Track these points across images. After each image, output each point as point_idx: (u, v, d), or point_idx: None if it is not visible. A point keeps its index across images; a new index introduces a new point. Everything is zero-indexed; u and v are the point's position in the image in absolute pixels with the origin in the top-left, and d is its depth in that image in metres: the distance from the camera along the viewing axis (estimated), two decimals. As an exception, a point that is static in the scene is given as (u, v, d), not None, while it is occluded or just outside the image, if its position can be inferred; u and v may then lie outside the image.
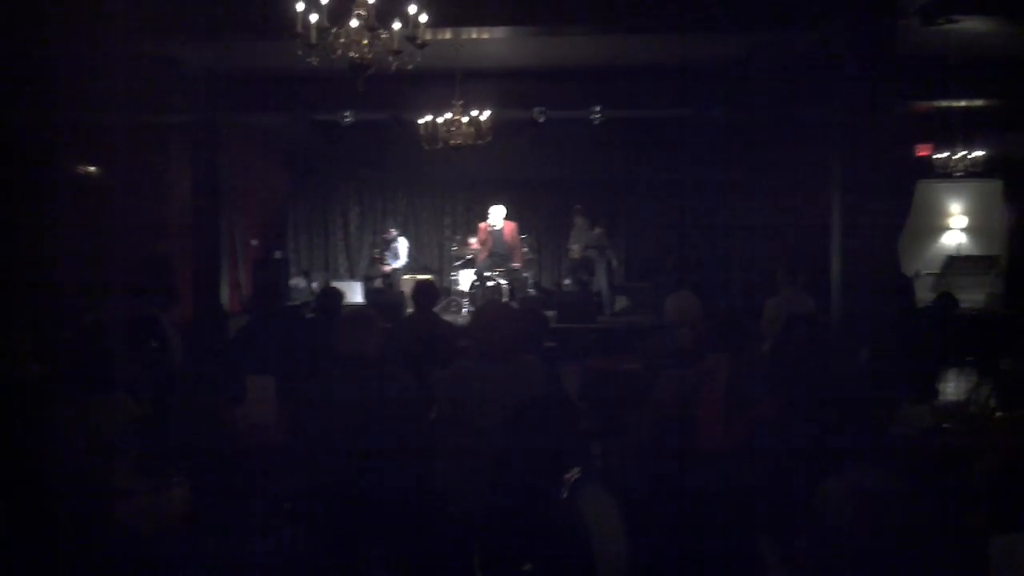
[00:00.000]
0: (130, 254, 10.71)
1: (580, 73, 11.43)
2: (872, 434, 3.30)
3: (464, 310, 12.79)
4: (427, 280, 10.00)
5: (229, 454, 3.80)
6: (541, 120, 11.91)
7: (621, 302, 13.63)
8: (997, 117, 12.54)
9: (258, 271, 14.31)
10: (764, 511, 3.45)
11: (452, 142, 10.44)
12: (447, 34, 8.41)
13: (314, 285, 15.10)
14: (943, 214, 15.65)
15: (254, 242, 15.35)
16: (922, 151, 13.57)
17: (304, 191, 16.55)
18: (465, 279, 13.37)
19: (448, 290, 13.88)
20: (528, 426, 3.17)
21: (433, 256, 16.47)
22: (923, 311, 8.08)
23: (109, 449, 3.78)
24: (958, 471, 3.62)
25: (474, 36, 8.81)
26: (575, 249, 13.40)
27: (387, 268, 14.39)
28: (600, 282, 13.07)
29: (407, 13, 6.20)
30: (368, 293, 13.80)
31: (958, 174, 13.45)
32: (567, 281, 14.16)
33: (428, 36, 6.45)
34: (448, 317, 9.96)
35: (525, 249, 13.76)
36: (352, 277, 15.82)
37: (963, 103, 11.82)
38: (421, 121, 10.64)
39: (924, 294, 11.12)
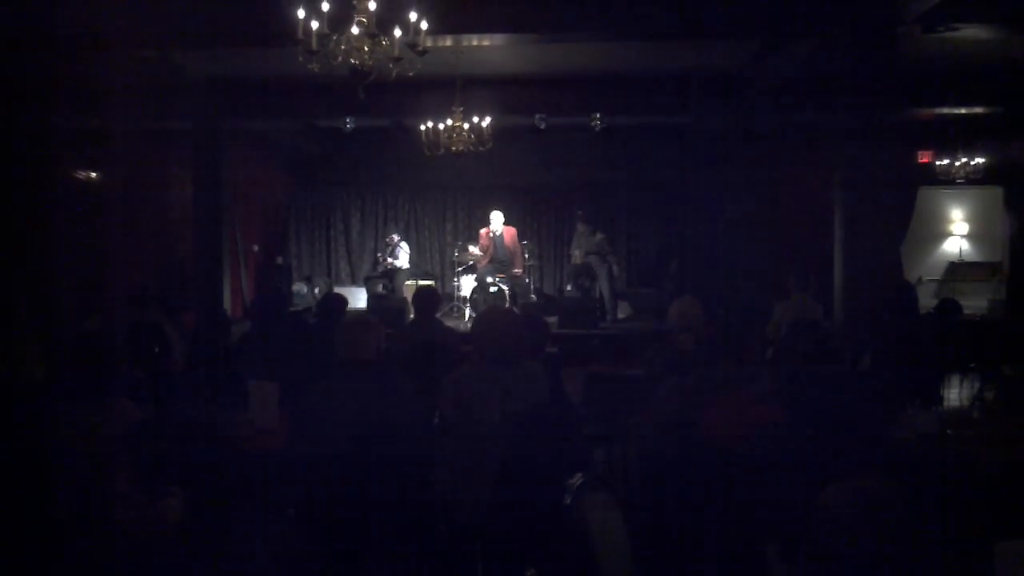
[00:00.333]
0: (132, 259, 10.73)
1: (581, 80, 11.45)
2: (875, 440, 3.29)
3: (466, 316, 12.79)
4: (428, 286, 10.02)
5: (231, 460, 3.79)
6: (542, 127, 11.93)
7: (623, 308, 13.63)
8: (998, 124, 12.57)
9: (260, 277, 14.33)
10: (766, 517, 3.44)
11: (453, 148, 10.45)
12: (448, 41, 8.43)
13: (316, 291, 15.11)
14: (945, 220, 15.68)
15: (256, 248, 15.37)
16: (923, 158, 13.60)
17: (306, 197, 16.57)
18: (467, 285, 13.37)
19: (450, 296, 13.89)
20: (531, 432, 3.17)
21: (434, 262, 16.48)
22: (925, 317, 8.07)
23: (110, 454, 3.78)
24: (961, 477, 3.61)
25: (475, 43, 8.82)
26: (577, 255, 13.40)
27: (389, 263, 14.38)
28: (602, 288, 13.06)
29: (408, 20, 6.21)
30: (370, 299, 13.80)
31: (959, 181, 13.48)
32: (569, 287, 14.16)
33: (429, 43, 6.46)
34: (450, 323, 9.95)
35: (526, 255, 13.77)
36: (354, 282, 15.83)
37: (964, 110, 11.85)
38: (422, 127, 10.65)
39: (926, 300, 11.14)
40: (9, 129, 7.43)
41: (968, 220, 15.63)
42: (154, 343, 6.21)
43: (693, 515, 3.66)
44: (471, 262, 13.64)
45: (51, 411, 3.81)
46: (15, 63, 7.36)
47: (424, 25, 6.28)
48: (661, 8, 8.13)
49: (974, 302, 12.62)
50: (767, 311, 8.13)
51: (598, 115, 11.85)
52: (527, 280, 13.88)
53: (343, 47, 6.09)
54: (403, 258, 14.54)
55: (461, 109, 10.22)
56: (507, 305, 12.11)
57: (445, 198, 16.56)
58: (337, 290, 14.28)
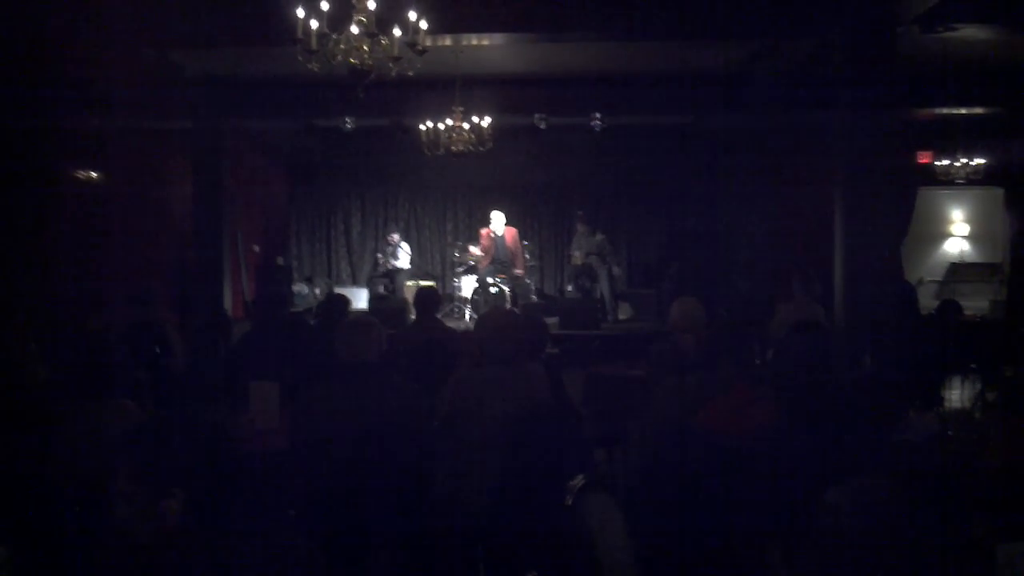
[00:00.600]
0: (133, 260, 10.73)
1: (581, 80, 11.45)
2: (875, 441, 3.29)
3: (467, 316, 12.79)
4: (429, 287, 10.00)
5: (232, 460, 3.79)
6: (542, 127, 11.93)
7: (624, 309, 13.62)
8: (998, 125, 12.57)
9: (261, 277, 14.32)
10: (768, 518, 3.44)
11: (453, 148, 10.45)
12: (447, 41, 8.43)
13: (317, 291, 15.10)
14: (945, 221, 15.69)
15: (256, 248, 15.36)
16: (923, 159, 13.59)
17: (306, 197, 16.57)
18: (467, 285, 13.37)
19: (450, 296, 13.88)
20: (532, 433, 3.16)
21: (435, 262, 16.47)
22: (926, 318, 8.07)
23: (112, 454, 3.78)
24: (962, 478, 3.60)
25: (474, 43, 8.82)
26: (577, 256, 13.40)
27: (391, 264, 14.36)
28: (602, 289, 13.06)
29: (407, 19, 6.20)
30: (371, 299, 13.79)
31: (960, 182, 13.47)
32: (569, 288, 14.16)
33: (428, 43, 6.45)
34: (451, 323, 9.95)
35: (527, 255, 13.76)
36: (355, 283, 15.82)
37: (964, 111, 11.84)
38: (422, 127, 10.65)
39: (927, 301, 11.14)
40: (9, 130, 7.43)
41: (969, 221, 15.63)
42: (155, 343, 6.21)
43: (694, 516, 3.65)
44: (472, 263, 13.64)
45: (52, 411, 3.81)
46: (15, 63, 7.36)
47: (424, 24, 6.28)
48: (661, 8, 8.13)
49: (975, 303, 12.62)
50: (768, 312, 8.12)
51: (598, 115, 11.85)
52: (528, 281, 13.87)
53: (343, 46, 6.08)
54: (404, 259, 14.54)
55: (461, 109, 10.22)
56: (508, 306, 12.10)
57: (445, 198, 16.55)
58: (338, 290, 14.28)
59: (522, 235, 13.83)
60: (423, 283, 13.30)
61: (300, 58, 6.12)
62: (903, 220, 13.25)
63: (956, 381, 7.32)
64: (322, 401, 4.07)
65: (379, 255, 15.21)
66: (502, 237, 12.94)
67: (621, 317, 13.36)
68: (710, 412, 4.01)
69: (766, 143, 11.23)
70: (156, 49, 9.06)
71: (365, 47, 6.11)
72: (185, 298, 11.26)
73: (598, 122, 11.96)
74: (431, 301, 6.65)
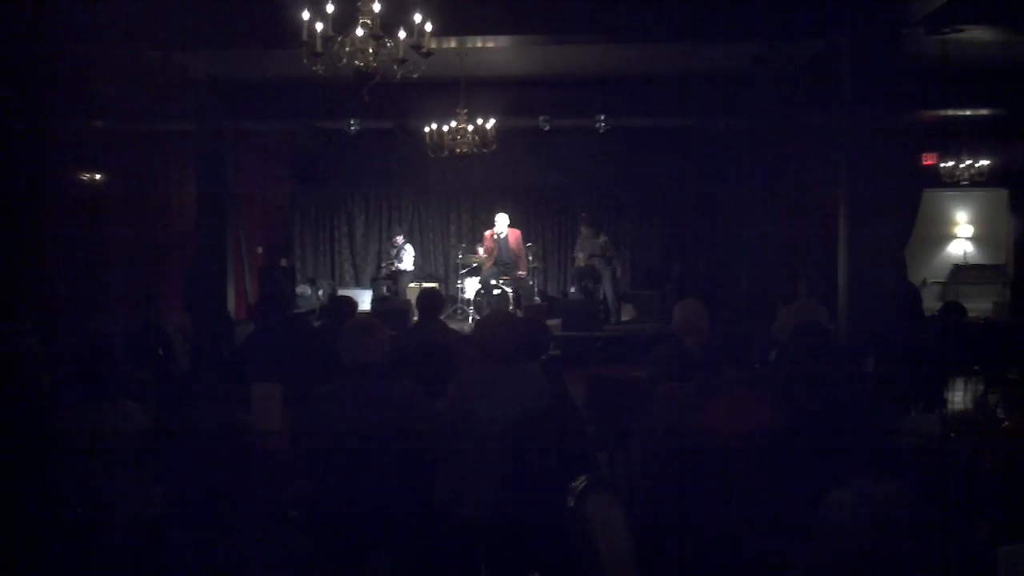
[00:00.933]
0: (136, 261, 10.75)
1: (585, 82, 11.46)
2: (879, 443, 3.29)
3: (470, 318, 12.79)
4: (432, 288, 10.01)
5: (234, 461, 3.79)
6: (546, 128, 11.95)
7: (627, 310, 13.62)
8: (1002, 126, 12.56)
9: (264, 278, 14.32)
10: (770, 519, 3.44)
11: (457, 150, 10.46)
12: (452, 43, 8.44)
13: (320, 292, 15.11)
14: (949, 223, 15.66)
15: (260, 250, 15.37)
16: (928, 160, 13.58)
17: (309, 199, 16.58)
18: (471, 287, 13.37)
19: (454, 298, 13.88)
20: (533, 435, 3.17)
21: (438, 264, 16.47)
22: (930, 320, 8.06)
23: (114, 455, 3.78)
24: (965, 480, 3.60)
25: (479, 45, 8.83)
26: (580, 257, 13.39)
27: (395, 266, 14.35)
28: (606, 290, 13.06)
29: (412, 22, 6.22)
30: (374, 301, 13.80)
31: (964, 183, 13.46)
32: (573, 289, 14.15)
33: (433, 45, 6.46)
34: (454, 325, 9.95)
35: (530, 257, 13.76)
36: (358, 284, 15.82)
37: (968, 112, 11.84)
38: (426, 129, 10.66)
39: (931, 303, 11.12)
40: (13, 131, 7.44)
41: (973, 222, 15.61)
42: (158, 345, 6.22)
43: (697, 518, 3.65)
44: (475, 264, 13.64)
45: (55, 413, 3.82)
46: (19, 64, 7.38)
47: (428, 27, 6.29)
48: (665, 10, 8.13)
49: (979, 304, 12.59)
50: (772, 314, 8.12)
51: (602, 117, 11.86)
52: (531, 282, 13.87)
53: (347, 49, 6.10)
54: (408, 260, 14.53)
55: (465, 111, 10.23)
56: (511, 307, 12.11)
57: (449, 200, 16.55)
58: (341, 292, 14.31)
59: (525, 237, 13.83)
60: (426, 285, 13.30)
61: (305, 60, 6.13)
62: (907, 222, 13.24)
63: (959, 383, 7.31)
64: (324, 402, 4.08)
65: (382, 257, 15.20)
66: (505, 239, 12.94)
67: (624, 319, 13.36)
68: (712, 414, 4.01)
69: (770, 145, 11.23)
70: (161, 51, 9.08)
71: (370, 49, 6.12)
72: (188, 300, 11.27)
73: (602, 124, 11.96)
74: (434, 303, 6.65)
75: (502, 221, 13.04)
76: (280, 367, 5.30)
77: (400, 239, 14.63)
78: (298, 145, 14.85)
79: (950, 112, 11.77)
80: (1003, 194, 14.57)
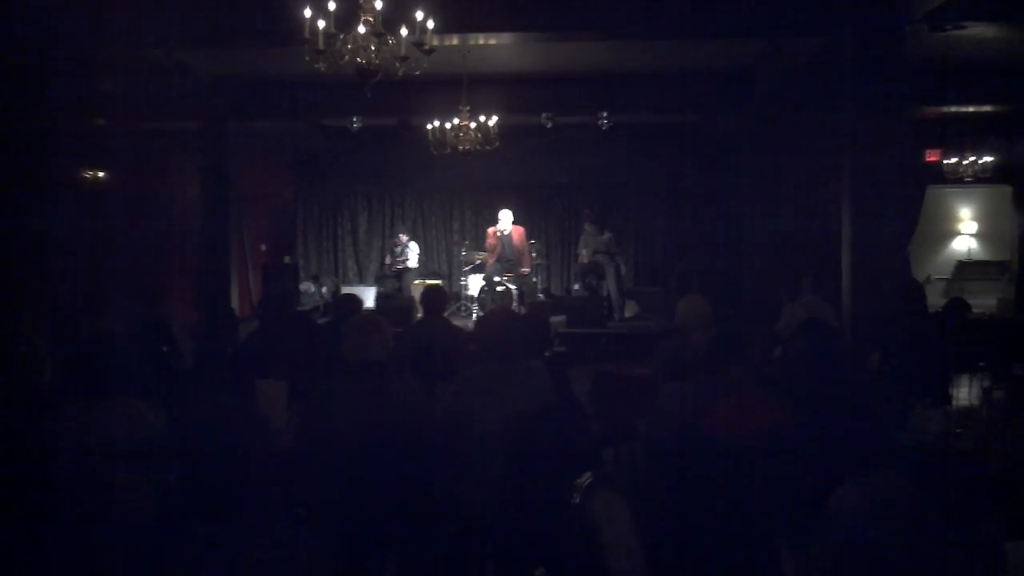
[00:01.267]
0: (140, 259, 10.75)
1: (587, 79, 11.45)
2: (884, 439, 3.29)
3: (473, 315, 12.79)
4: (436, 285, 10.00)
5: (238, 458, 3.80)
6: (549, 125, 11.94)
7: (631, 307, 13.61)
8: (1006, 123, 12.55)
9: (268, 276, 14.34)
10: (776, 516, 3.44)
11: (460, 147, 10.46)
12: (454, 40, 8.43)
13: (324, 290, 15.12)
14: (953, 219, 15.65)
15: (263, 247, 15.38)
16: (931, 157, 13.57)
17: (313, 196, 16.59)
18: (474, 284, 13.37)
19: (457, 295, 13.89)
20: (537, 432, 3.16)
21: (442, 261, 16.48)
22: (934, 316, 8.05)
23: (119, 453, 3.79)
24: (971, 476, 3.60)
25: (481, 42, 8.82)
26: (584, 254, 13.39)
27: (401, 264, 14.32)
28: (609, 287, 13.05)
29: (414, 19, 6.21)
30: (378, 298, 13.81)
31: (968, 180, 13.45)
32: (576, 286, 14.15)
33: (435, 42, 6.45)
34: (458, 322, 9.96)
35: (534, 254, 13.76)
36: (362, 282, 15.83)
37: (972, 109, 11.82)
38: (429, 127, 10.66)
39: (935, 299, 11.10)
40: (15, 129, 7.44)
41: (977, 219, 15.59)
42: (163, 343, 6.22)
43: (703, 514, 3.65)
44: (478, 261, 13.65)
45: (60, 411, 3.82)
46: (20, 62, 7.38)
47: (431, 24, 6.28)
48: (668, 7, 8.11)
49: (983, 301, 12.57)
50: (776, 311, 8.11)
51: (605, 114, 11.85)
52: (535, 279, 13.87)
53: (350, 46, 6.09)
54: (413, 258, 14.54)
55: (468, 108, 10.23)
56: (515, 304, 12.11)
57: (452, 197, 16.55)
58: (345, 289, 14.32)
59: (529, 234, 13.82)
60: (430, 282, 13.31)
61: (307, 58, 6.13)
62: (911, 218, 13.23)
63: (964, 379, 7.29)
64: (329, 399, 4.08)
65: (385, 256, 15.17)
66: (509, 236, 12.94)
67: (628, 315, 13.35)
68: (717, 411, 4.01)
69: (773, 141, 11.21)
70: (163, 49, 9.07)
71: (372, 47, 6.11)
72: (192, 297, 11.28)
73: (605, 121, 11.96)
74: (438, 300, 6.66)
75: (505, 218, 13.03)
76: (284, 364, 5.31)
77: (404, 237, 14.63)
78: (301, 143, 14.85)
79: (953, 109, 11.75)
80: (1007, 190, 14.55)
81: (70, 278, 8.03)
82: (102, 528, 3.57)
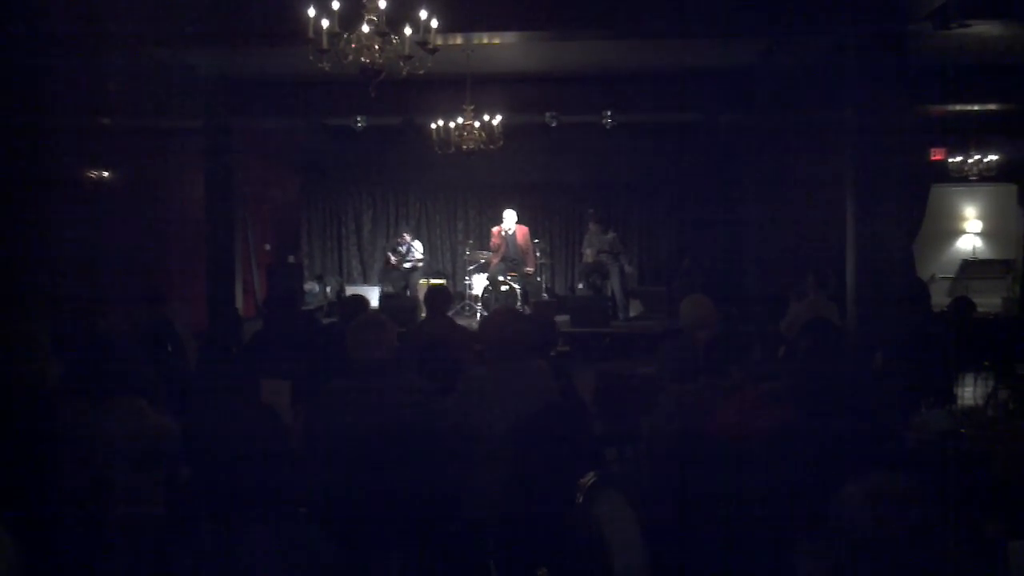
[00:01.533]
0: (144, 259, 10.77)
1: (591, 78, 11.45)
2: (888, 438, 3.29)
3: (477, 315, 12.80)
4: (440, 284, 10.02)
5: (243, 457, 3.80)
6: (553, 125, 11.93)
7: (635, 306, 13.61)
8: (1011, 121, 12.51)
9: (272, 275, 14.35)
10: (781, 515, 3.43)
11: (464, 147, 10.46)
12: (458, 39, 8.43)
13: (328, 289, 15.12)
14: (958, 218, 15.62)
15: (268, 246, 15.40)
16: (936, 155, 13.55)
17: (317, 196, 16.60)
18: (478, 283, 13.37)
19: (461, 294, 13.89)
20: (541, 431, 3.16)
21: (446, 260, 16.48)
22: (939, 315, 8.03)
23: (123, 452, 3.79)
24: (975, 476, 3.59)
25: (485, 41, 8.82)
26: (588, 253, 13.38)
27: (409, 263, 14.27)
28: (613, 286, 13.05)
29: (418, 18, 6.21)
30: (382, 298, 13.81)
31: (972, 178, 13.42)
32: (580, 285, 14.15)
33: (439, 41, 6.46)
34: (462, 322, 9.96)
35: (538, 254, 13.76)
36: (366, 281, 15.84)
37: (977, 107, 11.79)
38: (433, 126, 10.66)
39: (940, 298, 11.08)
40: (21, 129, 7.46)
41: (982, 217, 15.56)
42: (167, 342, 6.23)
43: (706, 514, 3.64)
44: (482, 260, 13.65)
45: (65, 410, 3.83)
46: (26, 63, 7.40)
47: (434, 23, 6.28)
48: (672, 6, 8.11)
49: (988, 300, 12.55)
50: (781, 310, 8.11)
51: (609, 113, 11.84)
52: (539, 279, 13.87)
53: (354, 46, 6.10)
54: (417, 254, 14.51)
55: (472, 107, 10.23)
56: (519, 304, 12.11)
57: (456, 196, 16.55)
58: (349, 288, 14.31)
59: (533, 233, 13.83)
60: (434, 281, 13.31)
61: (311, 57, 6.14)
62: (916, 217, 13.20)
63: (969, 378, 7.28)
64: (333, 398, 4.09)
65: (389, 254, 15.13)
66: (513, 235, 12.94)
67: (632, 315, 13.35)
68: (722, 411, 4.00)
69: (778, 140, 11.20)
70: (168, 49, 9.09)
71: (376, 46, 6.12)
72: (197, 297, 11.30)
73: (609, 120, 11.95)
74: (442, 299, 6.66)
75: (510, 217, 13.04)
76: (288, 363, 5.31)
77: (408, 236, 14.61)
78: (305, 142, 14.86)
79: (958, 107, 11.72)
80: (1012, 189, 14.53)
81: (74, 278, 8.05)
82: (105, 528, 3.57)
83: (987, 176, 13.38)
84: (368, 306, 6.83)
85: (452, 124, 10.49)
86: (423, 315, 8.21)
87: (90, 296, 8.19)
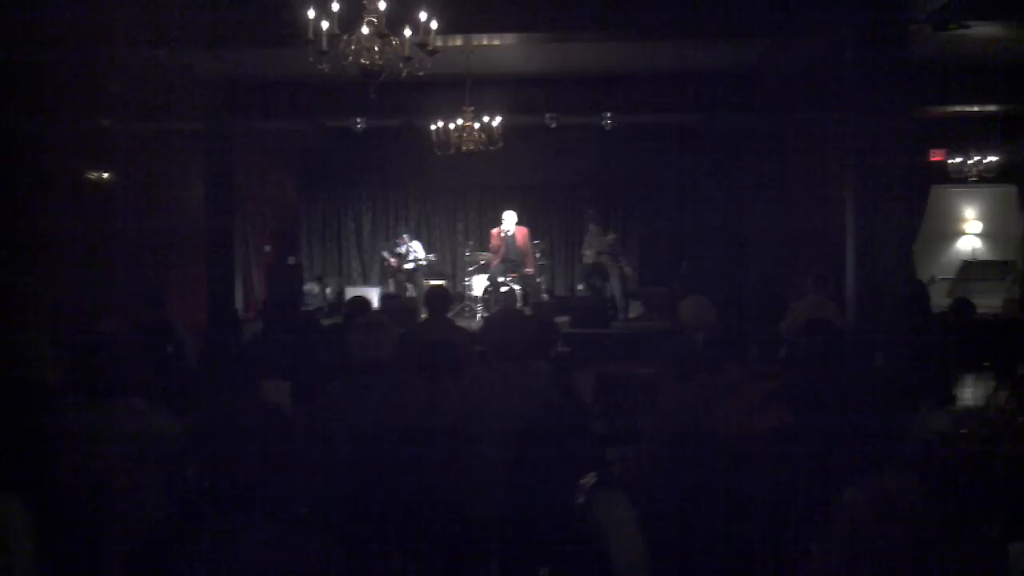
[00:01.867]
0: (144, 260, 10.77)
1: (591, 79, 11.44)
2: (889, 440, 3.28)
3: (478, 316, 12.80)
4: (440, 286, 10.02)
5: (243, 459, 3.80)
6: (553, 126, 11.93)
7: (635, 307, 13.62)
8: (1011, 122, 12.51)
9: (272, 277, 14.35)
10: (782, 516, 3.44)
11: (464, 148, 10.46)
12: (458, 41, 8.42)
13: (328, 290, 15.12)
14: (958, 219, 15.61)
15: (268, 248, 15.39)
16: (936, 157, 13.55)
17: (317, 197, 16.61)
18: (478, 285, 13.38)
19: (461, 296, 13.89)
20: (541, 432, 3.17)
21: (446, 262, 16.49)
22: (939, 317, 8.04)
23: (123, 452, 3.79)
24: (976, 477, 3.59)
25: (485, 42, 8.81)
26: (588, 255, 13.39)
27: (413, 264, 14.23)
28: (614, 287, 13.05)
29: (418, 20, 6.21)
30: (382, 299, 13.81)
31: (972, 179, 13.42)
32: (580, 287, 14.15)
33: (439, 43, 6.45)
34: (462, 323, 9.96)
35: (538, 255, 13.76)
36: (366, 282, 15.85)
37: (976, 108, 11.79)
38: (433, 127, 10.66)
39: (940, 299, 11.08)
40: (21, 131, 7.46)
41: (981, 219, 15.55)
42: (167, 343, 6.23)
43: (707, 515, 3.65)
44: (482, 262, 13.65)
45: (65, 411, 3.83)
46: (24, 63, 7.39)
47: (434, 25, 6.28)
48: (671, 7, 8.11)
49: (988, 301, 12.54)
50: (781, 311, 8.10)
51: (609, 114, 11.84)
52: (539, 280, 13.87)
53: (353, 47, 6.09)
54: (421, 253, 14.49)
55: (472, 109, 10.23)
56: (519, 305, 12.11)
57: (456, 198, 16.57)
58: (349, 290, 14.31)
59: (533, 234, 13.83)
60: (434, 282, 13.31)
61: (311, 59, 6.13)
62: (915, 218, 13.21)
63: (969, 379, 7.28)
64: (333, 400, 4.09)
65: (386, 255, 15.09)
66: (513, 236, 12.94)
67: (632, 316, 13.35)
68: (722, 412, 4.00)
69: (777, 142, 11.21)
70: (167, 50, 9.08)
71: (376, 48, 6.11)
72: (197, 298, 11.29)
73: (608, 121, 11.95)
74: (442, 300, 6.66)
75: (509, 219, 13.04)
76: (289, 365, 5.31)
77: (406, 236, 14.60)
78: (305, 144, 14.86)
79: (958, 108, 11.72)
80: (1012, 190, 14.52)
81: (74, 279, 8.05)
82: (105, 529, 3.57)
83: (987, 177, 13.37)
84: (370, 307, 6.83)
85: (452, 125, 10.49)
86: (423, 316, 8.20)
87: (90, 296, 8.19)
